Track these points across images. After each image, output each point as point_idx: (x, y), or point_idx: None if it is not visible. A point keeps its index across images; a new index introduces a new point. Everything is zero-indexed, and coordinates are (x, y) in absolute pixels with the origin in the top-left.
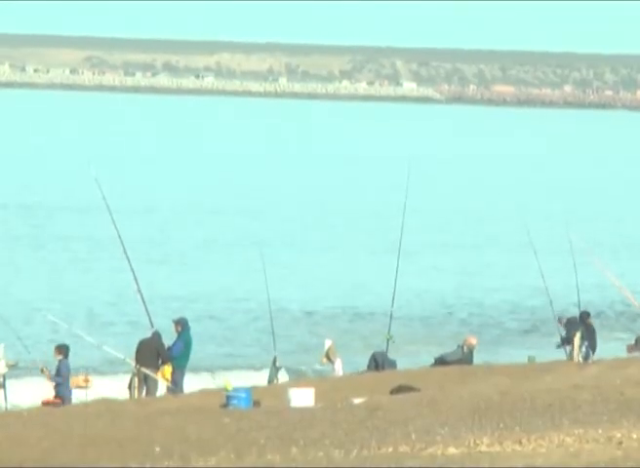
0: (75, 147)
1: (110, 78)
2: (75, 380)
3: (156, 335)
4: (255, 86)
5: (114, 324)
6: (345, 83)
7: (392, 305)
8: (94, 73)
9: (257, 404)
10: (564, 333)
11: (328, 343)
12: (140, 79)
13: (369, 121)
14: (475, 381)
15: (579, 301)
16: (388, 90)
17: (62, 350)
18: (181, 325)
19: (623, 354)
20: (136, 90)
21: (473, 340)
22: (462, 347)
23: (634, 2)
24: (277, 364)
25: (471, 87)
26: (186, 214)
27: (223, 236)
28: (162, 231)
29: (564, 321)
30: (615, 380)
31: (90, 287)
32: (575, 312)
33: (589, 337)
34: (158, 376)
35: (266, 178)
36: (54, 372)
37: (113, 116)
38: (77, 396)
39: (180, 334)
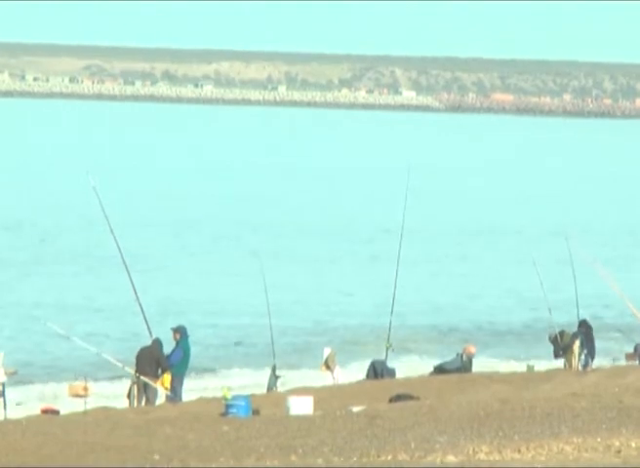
0: (74, 156)
1: (110, 87)
2: (74, 388)
3: (156, 344)
4: (254, 94)
5: (113, 332)
6: (345, 91)
7: (391, 314)
8: (93, 82)
9: (256, 412)
10: (554, 348)
11: (327, 351)
12: (140, 88)
13: (368, 129)
14: (474, 390)
15: (577, 309)
16: (388, 98)
17: None
18: (180, 333)
19: (622, 362)
20: (135, 98)
21: (472, 349)
22: (462, 356)
23: (633, 10)
24: (276, 372)
25: (470, 95)
26: (185, 222)
27: (222, 245)
28: (160, 240)
29: (553, 336)
30: (613, 388)
31: (88, 295)
32: (574, 320)
33: (588, 345)
34: (157, 385)
35: (265, 187)
36: None
37: (112, 125)
38: (76, 404)
39: (178, 342)
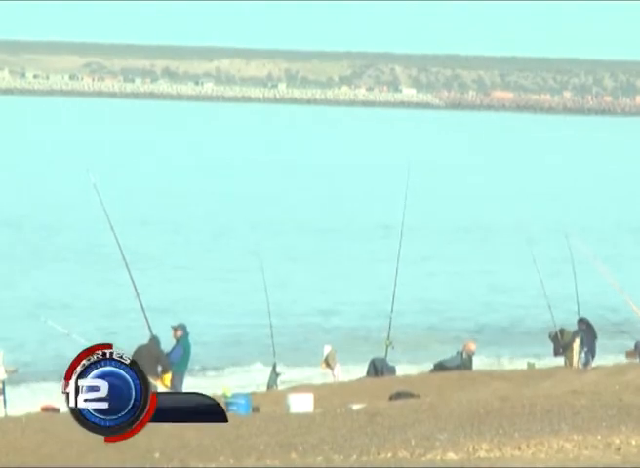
0: (74, 153)
1: (110, 84)
2: None
3: (154, 342)
4: (254, 92)
5: (113, 329)
6: (345, 89)
7: (391, 311)
8: (93, 79)
9: (256, 410)
10: (554, 346)
11: (327, 349)
12: (140, 85)
13: (368, 127)
14: (474, 387)
15: (577, 306)
16: (388, 96)
17: None
18: (181, 330)
19: (623, 360)
20: (135, 96)
21: (473, 346)
22: (462, 353)
23: (633, 8)
24: (277, 370)
25: (470, 93)
26: (185, 220)
27: (222, 243)
28: (160, 237)
29: (553, 334)
30: (613, 386)
31: (88, 292)
32: (574, 317)
33: (589, 343)
34: (157, 383)
35: (265, 185)
36: None
37: (113, 122)
38: None
39: (179, 340)
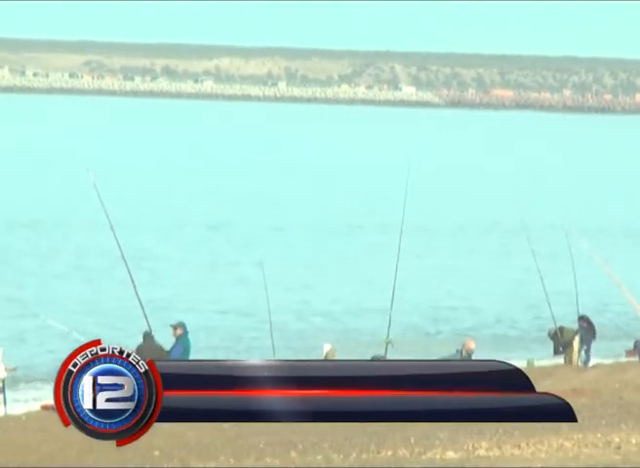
0: (74, 152)
1: (109, 82)
2: None
3: (151, 339)
4: (254, 90)
5: (113, 328)
6: (345, 87)
7: (391, 310)
8: (93, 77)
9: None
10: (554, 344)
11: (327, 347)
12: (140, 83)
13: (368, 125)
14: None
15: (577, 305)
16: (387, 94)
17: None
18: (181, 329)
19: (622, 358)
20: (135, 94)
21: (472, 344)
22: (461, 351)
23: (633, 6)
24: None
25: (470, 91)
26: (184, 219)
27: (222, 242)
28: (159, 236)
29: (553, 332)
30: (614, 385)
31: (88, 291)
32: (574, 315)
33: (588, 341)
34: None
35: (265, 183)
36: None
37: (112, 120)
38: None
39: (178, 338)
